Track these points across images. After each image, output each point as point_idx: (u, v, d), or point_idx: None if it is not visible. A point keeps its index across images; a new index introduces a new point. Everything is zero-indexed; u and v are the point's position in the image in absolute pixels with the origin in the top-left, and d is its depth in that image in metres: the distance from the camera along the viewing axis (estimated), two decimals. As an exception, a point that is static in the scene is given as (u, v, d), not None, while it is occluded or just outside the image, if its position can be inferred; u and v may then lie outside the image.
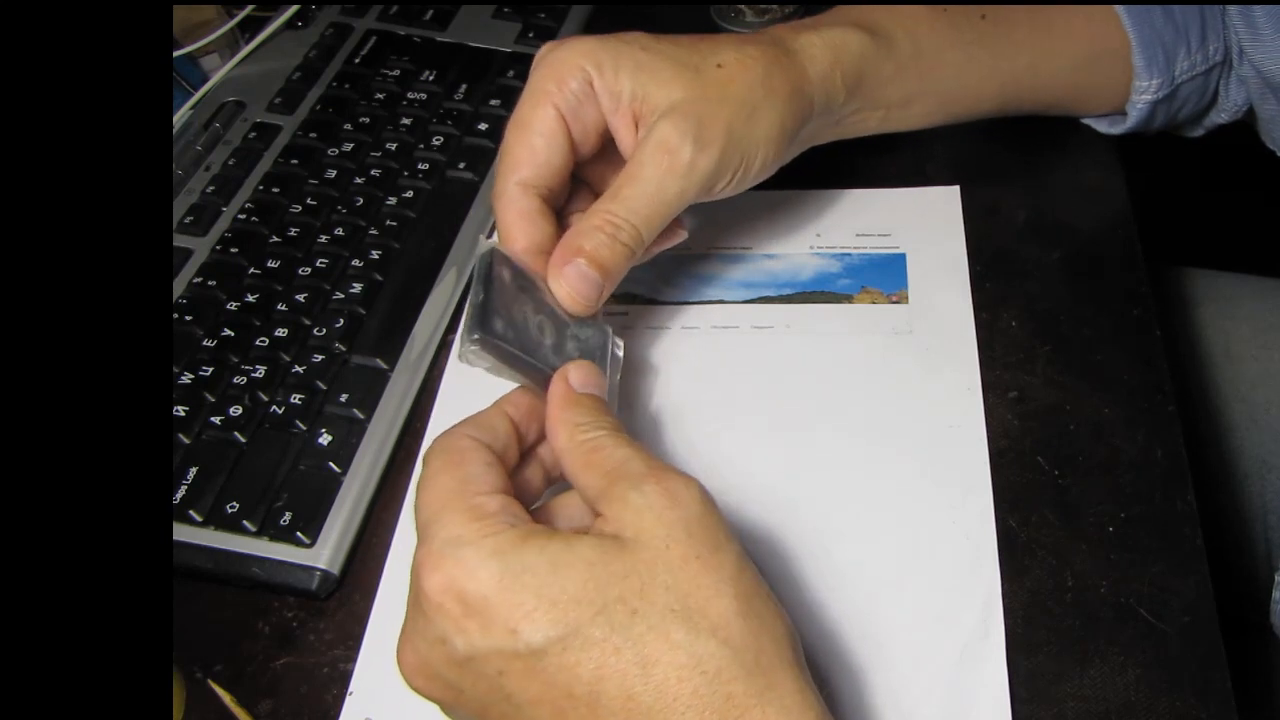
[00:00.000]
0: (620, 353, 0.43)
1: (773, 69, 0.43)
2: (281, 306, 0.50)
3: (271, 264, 0.52)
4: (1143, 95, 0.53)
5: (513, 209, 0.41)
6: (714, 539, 0.32)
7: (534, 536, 0.31)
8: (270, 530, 0.43)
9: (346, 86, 0.61)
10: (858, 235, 0.53)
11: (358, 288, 0.50)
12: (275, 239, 0.53)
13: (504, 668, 0.30)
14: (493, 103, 0.60)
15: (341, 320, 0.49)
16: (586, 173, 0.45)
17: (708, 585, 0.31)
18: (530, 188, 0.41)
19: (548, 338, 0.39)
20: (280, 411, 0.46)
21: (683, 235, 0.44)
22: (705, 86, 0.41)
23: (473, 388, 0.40)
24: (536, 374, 0.38)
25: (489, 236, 0.54)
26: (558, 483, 0.38)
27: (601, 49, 0.41)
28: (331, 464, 0.45)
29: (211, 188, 0.56)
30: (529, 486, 0.37)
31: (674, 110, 0.40)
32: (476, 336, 0.37)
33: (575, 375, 0.37)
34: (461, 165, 0.56)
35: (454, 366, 0.50)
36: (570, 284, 0.40)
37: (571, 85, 0.41)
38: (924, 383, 0.47)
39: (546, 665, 0.30)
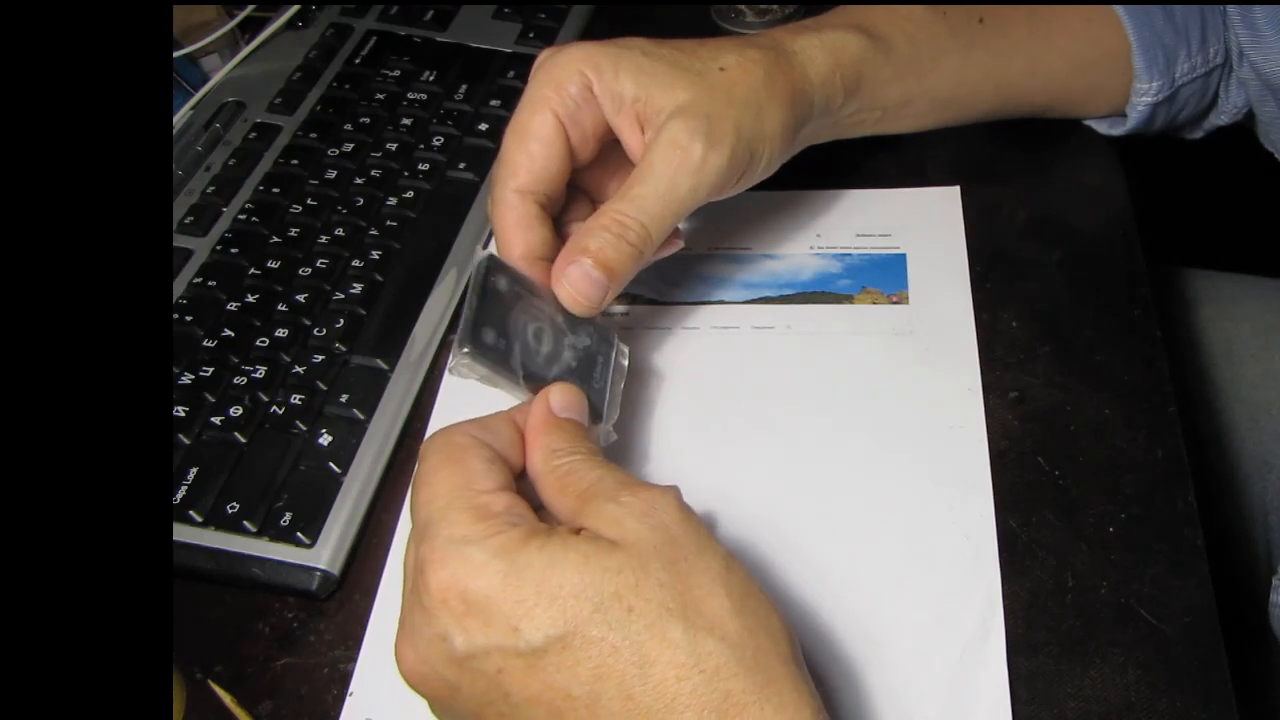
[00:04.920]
0: (625, 361, 0.43)
1: (774, 71, 0.43)
2: (282, 307, 0.50)
3: (272, 264, 0.52)
4: (1143, 97, 0.53)
5: (510, 215, 0.41)
6: (697, 542, 0.32)
7: (535, 535, 0.31)
8: (270, 531, 0.43)
9: (347, 87, 0.61)
10: (858, 235, 0.53)
11: (358, 288, 0.50)
12: (275, 239, 0.53)
13: (503, 665, 0.30)
14: (493, 103, 0.60)
15: (341, 320, 0.49)
16: (584, 180, 0.45)
17: (700, 585, 0.31)
18: (528, 194, 0.41)
19: (544, 347, 0.39)
20: (280, 412, 0.46)
21: (679, 244, 0.44)
22: (711, 88, 0.41)
23: (473, 388, 0.40)
24: (529, 385, 0.38)
25: (485, 246, 0.54)
26: None
27: (601, 53, 0.41)
28: (332, 464, 0.45)
29: (212, 188, 0.56)
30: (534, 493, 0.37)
31: (683, 110, 0.40)
32: (466, 349, 0.37)
33: (557, 398, 0.37)
34: (462, 165, 0.56)
35: (454, 367, 0.50)
36: (573, 284, 0.40)
37: (570, 91, 0.41)
38: (924, 383, 0.47)
39: (546, 664, 0.30)
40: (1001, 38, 0.51)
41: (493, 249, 0.41)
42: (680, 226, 0.43)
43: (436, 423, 0.48)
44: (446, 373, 0.50)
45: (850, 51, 0.46)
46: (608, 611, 0.30)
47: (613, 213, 0.40)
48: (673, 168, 0.40)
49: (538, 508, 0.36)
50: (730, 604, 0.31)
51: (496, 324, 0.38)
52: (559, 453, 0.35)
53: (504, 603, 0.30)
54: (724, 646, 0.30)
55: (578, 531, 0.33)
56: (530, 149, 0.41)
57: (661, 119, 0.41)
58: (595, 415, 0.39)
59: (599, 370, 0.41)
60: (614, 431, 0.41)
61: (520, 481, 0.36)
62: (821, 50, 0.45)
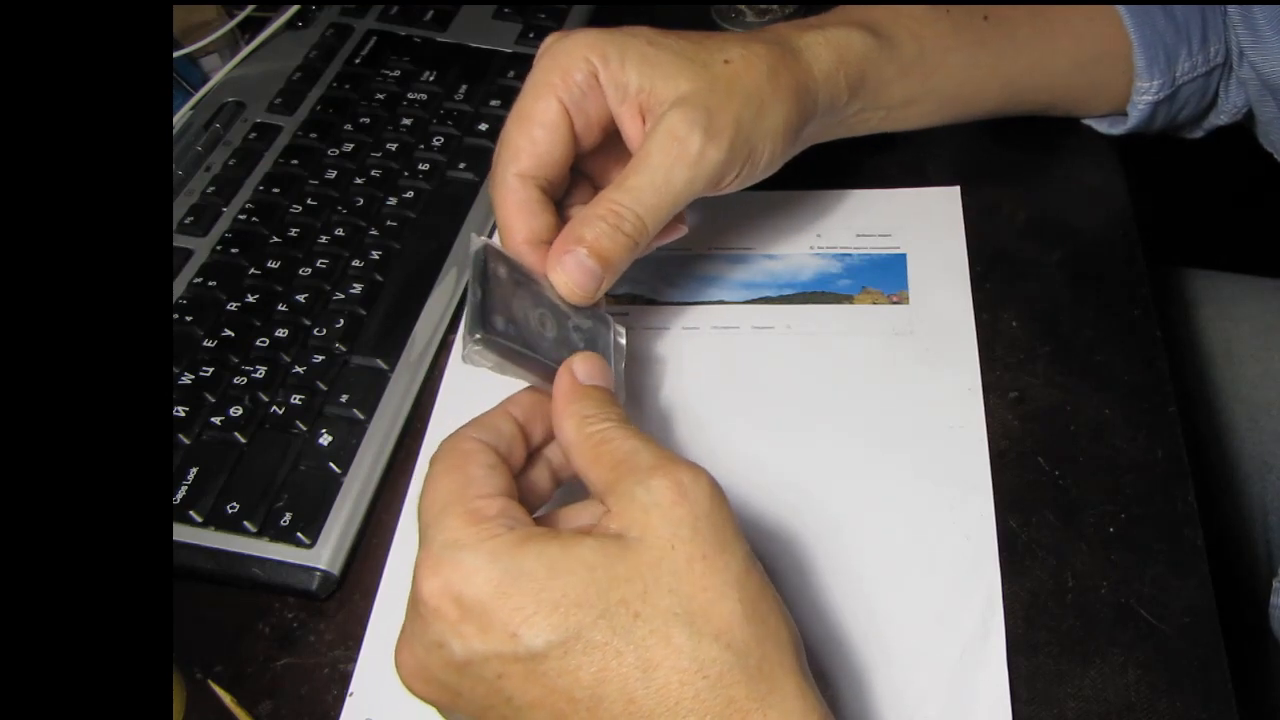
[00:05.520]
0: (623, 341, 0.43)
1: (778, 67, 0.43)
2: (282, 307, 0.50)
3: (272, 264, 0.52)
4: (1144, 96, 0.53)
5: (512, 199, 0.41)
6: (721, 537, 0.31)
7: (533, 540, 0.31)
8: (270, 531, 0.43)
9: (347, 87, 0.61)
10: (858, 235, 0.53)
11: (358, 288, 0.50)
12: (275, 239, 0.53)
13: (503, 671, 0.30)
14: (493, 103, 0.59)
15: (341, 320, 0.49)
16: (588, 166, 0.45)
17: (712, 587, 0.30)
18: (529, 179, 0.41)
19: (549, 330, 0.39)
20: (280, 412, 0.46)
21: (683, 230, 0.44)
22: (713, 80, 0.41)
23: (474, 387, 0.40)
24: (541, 368, 0.38)
25: (490, 236, 0.54)
26: (566, 484, 0.38)
27: (608, 41, 0.41)
28: (332, 464, 0.45)
29: (212, 188, 0.56)
30: (536, 488, 0.37)
31: (683, 101, 0.40)
32: (479, 335, 0.36)
33: (581, 368, 0.37)
34: (462, 165, 0.56)
35: (454, 366, 0.50)
36: (568, 274, 0.39)
37: (576, 78, 0.41)
38: (924, 383, 0.47)
39: (547, 669, 0.30)
40: (1005, 37, 0.51)
41: (489, 238, 0.41)
42: (684, 212, 0.43)
43: (436, 422, 0.48)
44: (450, 367, 0.50)
45: (855, 49, 0.45)
46: (613, 618, 0.30)
47: (609, 202, 0.40)
48: (670, 159, 0.40)
49: (538, 507, 0.36)
50: (741, 609, 0.30)
51: (503, 310, 0.38)
52: (591, 419, 0.34)
53: (501, 609, 0.30)
54: (729, 653, 0.30)
55: (589, 529, 0.33)
56: (533, 134, 0.41)
57: (663, 109, 0.40)
58: None
59: (601, 351, 0.41)
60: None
61: (522, 477, 0.36)
62: (826, 47, 0.45)
